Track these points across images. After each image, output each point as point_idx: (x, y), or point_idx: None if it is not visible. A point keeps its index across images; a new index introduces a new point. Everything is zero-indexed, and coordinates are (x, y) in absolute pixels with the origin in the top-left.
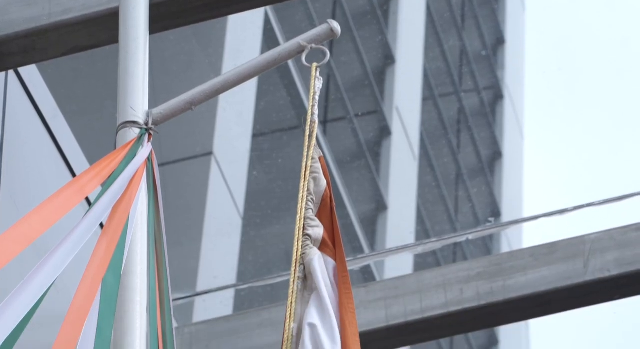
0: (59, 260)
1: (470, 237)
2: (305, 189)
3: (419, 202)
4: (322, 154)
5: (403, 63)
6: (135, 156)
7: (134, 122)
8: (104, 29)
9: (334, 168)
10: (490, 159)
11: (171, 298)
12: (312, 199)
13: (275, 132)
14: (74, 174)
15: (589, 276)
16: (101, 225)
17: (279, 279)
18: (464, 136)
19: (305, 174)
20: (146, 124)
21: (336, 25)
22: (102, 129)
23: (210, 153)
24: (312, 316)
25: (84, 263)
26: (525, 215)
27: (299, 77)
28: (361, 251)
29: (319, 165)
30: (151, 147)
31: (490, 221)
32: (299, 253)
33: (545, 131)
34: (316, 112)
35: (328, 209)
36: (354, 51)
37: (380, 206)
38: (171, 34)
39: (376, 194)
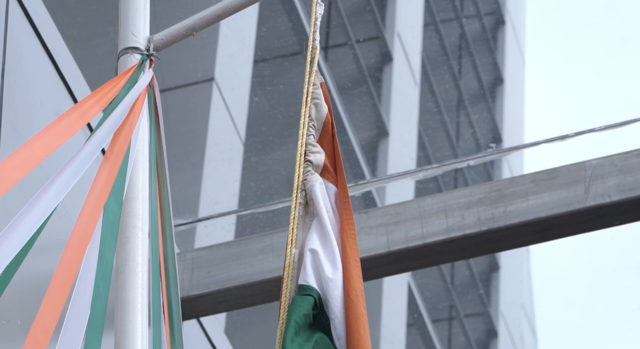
0: (61, 186)
1: (472, 163)
2: (307, 115)
3: (420, 128)
4: (323, 80)
5: None
6: (136, 82)
7: (135, 48)
8: None
9: (335, 94)
10: (492, 85)
11: (173, 223)
12: (313, 125)
13: (276, 58)
14: (75, 100)
15: (590, 202)
16: (103, 151)
17: (280, 205)
18: (465, 61)
19: (306, 100)
20: (147, 50)
21: None
22: (104, 55)
23: (211, 79)
24: (314, 241)
25: (85, 189)
26: (527, 141)
27: (300, 3)
28: (362, 177)
29: (320, 91)
30: (152, 73)
31: (491, 147)
32: (301, 179)
33: (546, 56)
34: (317, 38)
35: (329, 135)
36: None
37: (381, 132)
38: None
39: (377, 120)
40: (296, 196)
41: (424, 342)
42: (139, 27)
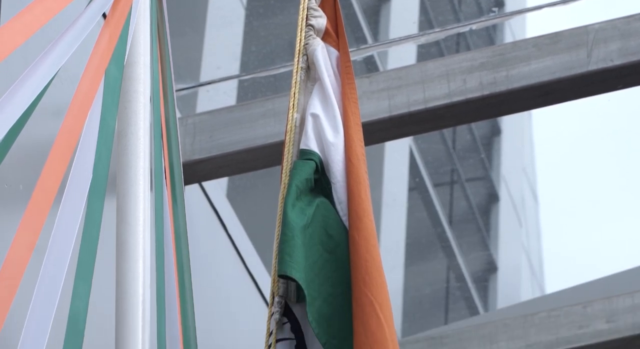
0: (62, 50)
1: (474, 27)
2: None
3: None
4: None
5: None
6: None
7: None
8: None
9: None
10: None
11: (174, 88)
12: None
13: None
14: None
15: (592, 66)
16: (104, 15)
17: (282, 70)
18: None
19: None
20: None
21: None
22: None
23: None
24: (315, 106)
25: (87, 53)
26: (529, 5)
27: None
28: (364, 41)
29: None
30: None
31: (493, 11)
32: (302, 43)
33: None
34: None
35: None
36: None
37: None
38: None
39: None
40: (298, 61)
41: (425, 206)
42: None
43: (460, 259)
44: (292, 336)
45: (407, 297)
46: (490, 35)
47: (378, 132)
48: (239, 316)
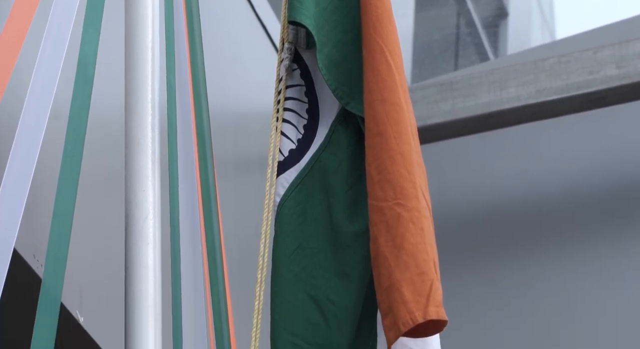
0: None
1: None
2: None
3: None
4: None
5: None
6: None
7: None
8: None
9: None
10: None
11: None
12: None
13: None
14: None
15: None
16: None
17: None
18: None
19: None
20: None
21: None
22: None
23: None
24: None
25: None
26: None
27: None
28: None
29: None
30: None
31: None
32: None
33: None
34: None
35: None
36: None
37: None
38: None
39: None
40: None
41: None
42: None
43: (470, 5)
44: (302, 82)
45: (417, 43)
46: None
47: None
48: (248, 62)
